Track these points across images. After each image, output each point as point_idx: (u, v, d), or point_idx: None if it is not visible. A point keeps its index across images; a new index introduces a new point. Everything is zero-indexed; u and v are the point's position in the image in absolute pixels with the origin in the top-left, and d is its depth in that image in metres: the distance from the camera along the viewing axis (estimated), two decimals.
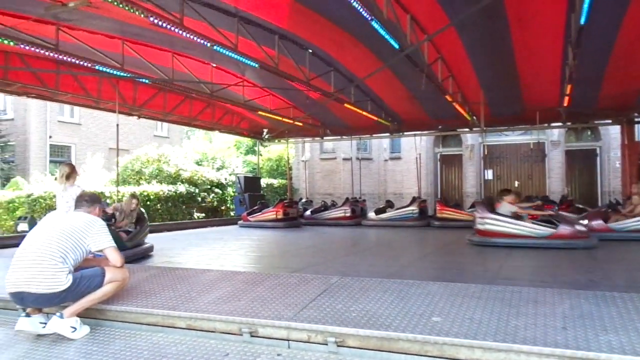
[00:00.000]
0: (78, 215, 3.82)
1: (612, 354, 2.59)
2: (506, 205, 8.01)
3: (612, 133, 16.12)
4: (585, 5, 5.99)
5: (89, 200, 3.99)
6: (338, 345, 3.12)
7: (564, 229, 7.62)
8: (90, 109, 13.89)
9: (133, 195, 7.88)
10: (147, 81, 10.73)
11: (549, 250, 7.31)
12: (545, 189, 17.46)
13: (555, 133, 17.24)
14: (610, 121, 13.96)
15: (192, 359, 3.08)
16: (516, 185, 18.26)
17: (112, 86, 11.18)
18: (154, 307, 3.77)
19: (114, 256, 3.72)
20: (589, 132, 17.71)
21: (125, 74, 9.50)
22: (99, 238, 3.68)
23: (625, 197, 11.97)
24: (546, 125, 15.18)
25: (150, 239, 8.10)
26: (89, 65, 8.77)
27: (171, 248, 8.48)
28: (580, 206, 12.11)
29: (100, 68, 8.91)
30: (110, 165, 18.12)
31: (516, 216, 7.93)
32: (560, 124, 14.48)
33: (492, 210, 8.14)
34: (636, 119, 13.22)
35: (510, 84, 10.79)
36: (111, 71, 9.16)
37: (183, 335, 3.55)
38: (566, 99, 10.94)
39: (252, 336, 3.36)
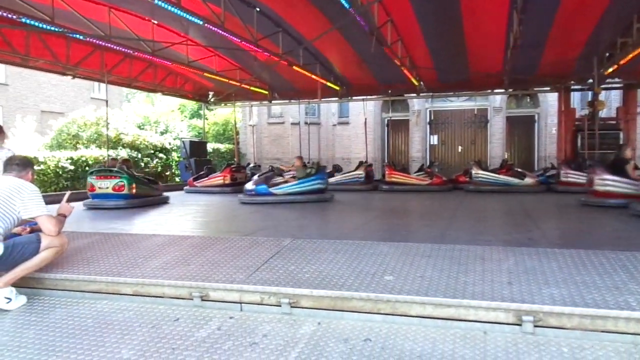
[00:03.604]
0: (6, 180, 3.51)
1: (554, 306, 2.71)
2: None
3: (550, 100, 16.85)
4: None
5: (20, 164, 3.65)
6: (292, 307, 3.10)
7: None
8: (18, 67, 12.86)
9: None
10: (81, 37, 9.99)
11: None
12: (487, 154, 18.13)
13: (497, 99, 17.81)
14: (548, 88, 14.51)
15: (140, 325, 2.97)
16: (459, 150, 18.84)
17: (42, 42, 10.31)
18: (97, 274, 3.60)
19: (47, 225, 3.43)
20: (529, 99, 18.41)
21: (56, 29, 8.79)
22: (30, 205, 3.41)
23: (560, 161, 12.62)
24: (489, 91, 15.64)
25: None
26: (14, 17, 8.02)
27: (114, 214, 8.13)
28: (519, 170, 12.66)
29: (27, 21, 8.17)
30: (43, 129, 16.99)
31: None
32: (502, 90, 14.91)
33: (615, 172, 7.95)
34: (573, 87, 13.81)
35: (457, 50, 10.91)
36: (40, 25, 8.44)
37: (129, 302, 3.41)
38: (509, 65, 11.23)
39: (203, 300, 3.28)
